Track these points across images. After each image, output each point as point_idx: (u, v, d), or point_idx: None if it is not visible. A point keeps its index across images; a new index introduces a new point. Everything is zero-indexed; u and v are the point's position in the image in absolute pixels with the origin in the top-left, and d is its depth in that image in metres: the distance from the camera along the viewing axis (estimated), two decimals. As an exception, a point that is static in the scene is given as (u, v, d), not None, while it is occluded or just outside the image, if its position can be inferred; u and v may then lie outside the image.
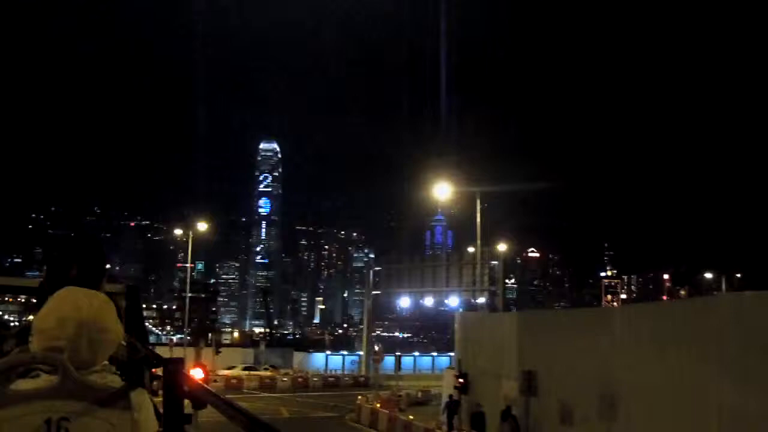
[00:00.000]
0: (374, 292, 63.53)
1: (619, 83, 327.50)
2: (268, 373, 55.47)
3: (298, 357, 69.13)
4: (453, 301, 59.76)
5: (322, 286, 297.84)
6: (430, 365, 73.58)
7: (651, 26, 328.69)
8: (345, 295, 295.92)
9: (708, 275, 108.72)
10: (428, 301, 61.58)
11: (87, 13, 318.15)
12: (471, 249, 63.43)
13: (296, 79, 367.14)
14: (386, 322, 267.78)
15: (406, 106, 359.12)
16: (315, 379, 56.46)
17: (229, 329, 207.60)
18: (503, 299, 51.20)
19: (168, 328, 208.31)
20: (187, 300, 62.24)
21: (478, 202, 40.62)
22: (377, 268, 64.22)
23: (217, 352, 52.67)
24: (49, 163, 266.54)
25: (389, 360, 70.38)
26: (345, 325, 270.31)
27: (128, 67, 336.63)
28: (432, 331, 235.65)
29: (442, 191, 41.92)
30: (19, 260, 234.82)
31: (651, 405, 21.79)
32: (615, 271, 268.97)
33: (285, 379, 54.44)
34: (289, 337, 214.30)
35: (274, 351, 68.91)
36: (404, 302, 62.38)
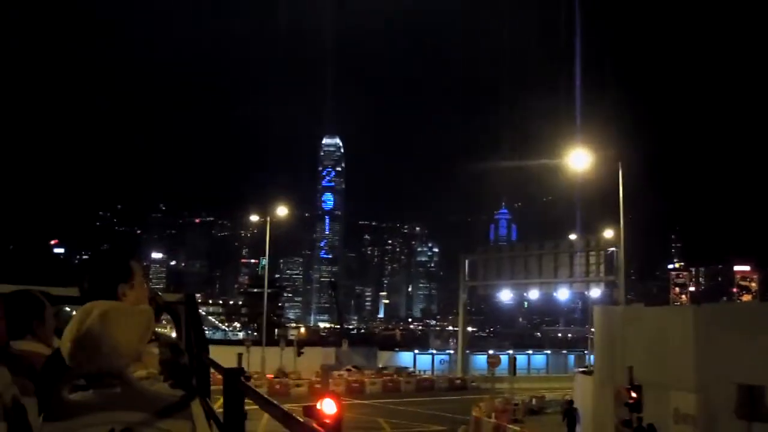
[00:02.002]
0: (470, 284, 57.29)
1: (698, 61, 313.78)
2: (366, 377, 49.45)
3: (383, 356, 63.25)
4: (563, 294, 53.18)
5: (385, 281, 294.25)
6: (526, 365, 67.11)
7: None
8: (409, 289, 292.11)
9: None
10: (533, 294, 54.94)
11: (161, 15, 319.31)
12: (572, 236, 56.93)
13: (360, 74, 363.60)
14: (450, 316, 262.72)
15: (468, 100, 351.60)
16: (407, 382, 50.42)
17: (294, 325, 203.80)
18: (624, 292, 44.30)
19: (236, 324, 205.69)
20: (265, 295, 56.95)
21: (620, 173, 33.96)
22: (472, 258, 57.84)
23: (299, 353, 47.23)
24: (117, 161, 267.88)
25: (481, 359, 64.09)
26: (409, 320, 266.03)
27: (195, 66, 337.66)
28: (497, 325, 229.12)
29: (580, 160, 35.43)
30: (87, 257, 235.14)
31: None
32: (682, 263, 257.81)
33: (375, 382, 48.56)
34: (353, 332, 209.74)
35: (356, 350, 63.09)
36: (505, 295, 55.89)
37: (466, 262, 57.12)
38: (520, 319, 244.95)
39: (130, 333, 2.19)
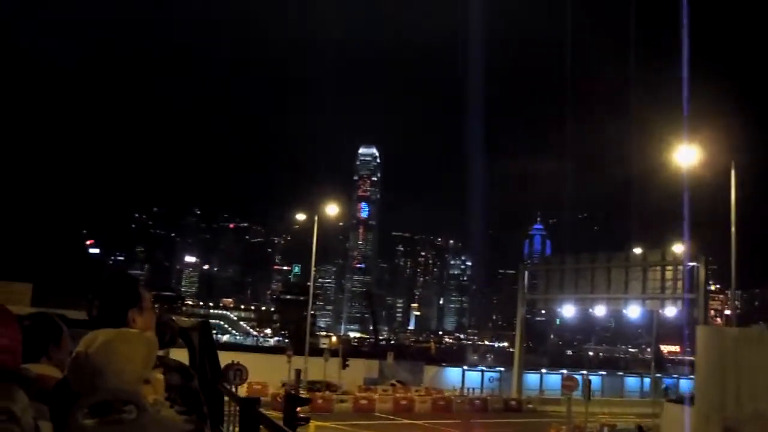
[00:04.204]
0: (530, 297, 53.30)
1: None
2: (415, 394, 45.66)
3: (429, 371, 59.48)
4: (633, 311, 48.98)
5: (417, 293, 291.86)
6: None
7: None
8: (440, 302, 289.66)
9: None
10: (599, 310, 50.82)
11: (195, 23, 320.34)
12: (637, 250, 52.63)
13: (398, 84, 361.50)
14: (476, 329, 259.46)
15: (509, 113, 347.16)
16: (459, 402, 46.53)
17: (324, 333, 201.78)
18: (705, 311, 40.21)
19: (267, 330, 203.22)
20: (310, 303, 53.81)
21: (734, 175, 29.95)
22: (533, 269, 53.89)
23: (344, 366, 43.69)
24: (154, 164, 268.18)
25: (533, 378, 60.21)
26: (440, 333, 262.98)
27: (234, 72, 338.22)
28: (528, 342, 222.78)
29: (687, 157, 31.45)
30: (122, 258, 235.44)
31: None
32: (718, 286, 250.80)
33: (424, 400, 44.71)
34: (382, 343, 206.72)
35: (401, 364, 59.56)
36: (568, 311, 51.82)
37: (526, 273, 53.19)
38: (552, 336, 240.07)
39: (134, 360, 2.22)
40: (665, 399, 39.00)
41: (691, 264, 42.91)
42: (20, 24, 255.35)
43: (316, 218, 46.18)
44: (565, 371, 62.96)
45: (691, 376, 58.68)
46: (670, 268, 44.77)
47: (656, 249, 49.02)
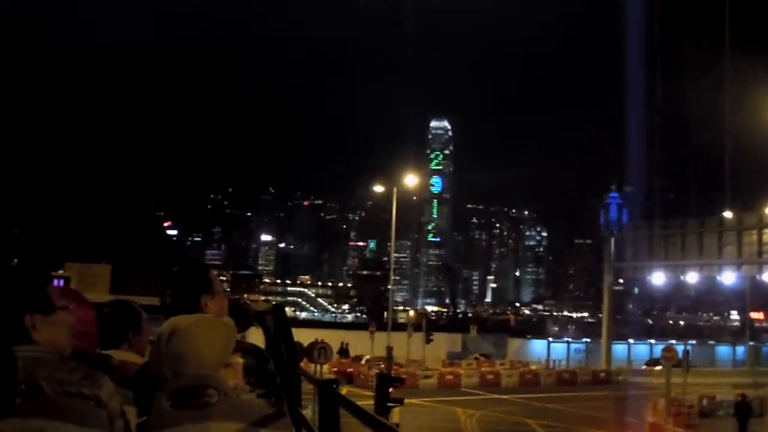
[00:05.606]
0: (617, 266, 51.38)
1: None
2: (502, 368, 44.75)
3: (513, 344, 58.22)
4: (728, 278, 46.59)
5: (493, 265, 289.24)
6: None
7: None
8: (517, 273, 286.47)
9: None
10: (691, 278, 48.52)
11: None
12: (727, 214, 50.03)
13: (469, 56, 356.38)
14: (553, 300, 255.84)
15: (582, 80, 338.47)
16: (548, 375, 45.22)
17: (402, 308, 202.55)
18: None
19: (344, 306, 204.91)
20: (391, 277, 53.48)
21: None
22: (619, 236, 51.81)
23: (428, 341, 42.93)
24: (227, 145, 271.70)
25: (620, 349, 58.46)
26: (517, 305, 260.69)
27: (306, 49, 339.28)
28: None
29: None
30: (199, 239, 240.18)
31: None
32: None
33: (511, 374, 43.65)
34: (460, 317, 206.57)
35: (485, 337, 58.51)
36: (657, 278, 49.65)
37: (612, 240, 51.19)
38: (630, 306, 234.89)
39: (215, 345, 2.28)
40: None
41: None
42: (104, 15, 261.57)
43: (394, 190, 45.42)
44: (652, 341, 61.05)
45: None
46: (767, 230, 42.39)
47: (752, 212, 46.50)
